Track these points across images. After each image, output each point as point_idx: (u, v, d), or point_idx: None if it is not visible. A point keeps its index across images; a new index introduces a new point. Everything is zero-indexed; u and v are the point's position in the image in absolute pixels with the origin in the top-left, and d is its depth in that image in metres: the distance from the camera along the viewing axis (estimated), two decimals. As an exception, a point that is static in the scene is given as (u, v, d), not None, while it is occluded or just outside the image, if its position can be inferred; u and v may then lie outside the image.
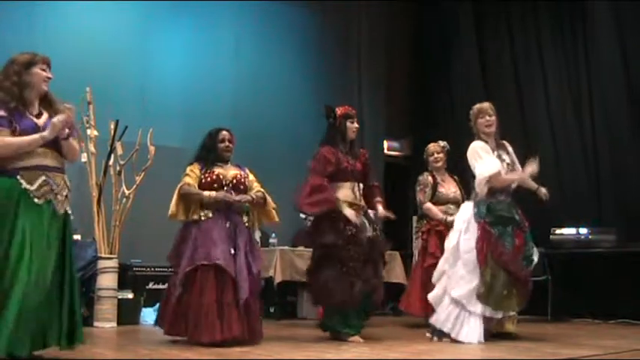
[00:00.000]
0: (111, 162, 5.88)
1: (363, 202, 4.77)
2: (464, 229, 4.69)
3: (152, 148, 6.02)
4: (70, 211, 3.50)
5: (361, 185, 4.81)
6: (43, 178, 3.37)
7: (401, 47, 9.38)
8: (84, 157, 5.75)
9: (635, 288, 6.37)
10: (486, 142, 4.79)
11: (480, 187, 4.67)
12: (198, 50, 7.64)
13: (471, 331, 4.48)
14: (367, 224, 4.71)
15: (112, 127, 5.89)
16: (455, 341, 4.48)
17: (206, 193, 4.45)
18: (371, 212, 4.83)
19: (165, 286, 4.78)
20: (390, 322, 6.40)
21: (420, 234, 5.92)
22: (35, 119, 3.42)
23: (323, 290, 4.58)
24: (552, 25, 8.01)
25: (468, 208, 4.77)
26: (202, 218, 4.44)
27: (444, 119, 8.74)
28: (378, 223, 4.90)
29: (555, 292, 6.64)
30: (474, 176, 4.72)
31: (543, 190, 4.99)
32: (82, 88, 5.52)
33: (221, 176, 4.52)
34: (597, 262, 6.75)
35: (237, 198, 4.48)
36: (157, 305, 5.76)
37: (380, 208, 4.82)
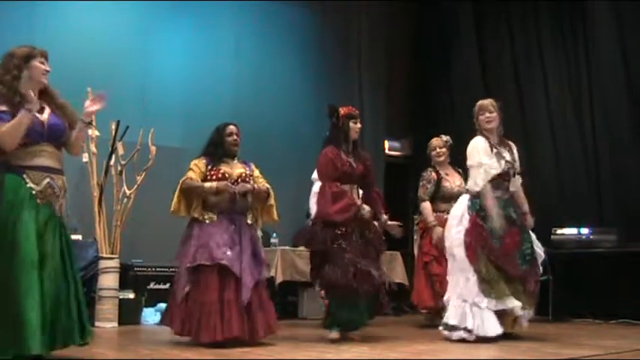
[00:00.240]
0: (112, 162, 5.90)
1: (360, 203, 4.73)
2: (457, 222, 4.72)
3: (153, 148, 6.04)
4: (67, 213, 3.52)
5: (360, 191, 4.80)
6: (48, 180, 3.39)
7: (401, 47, 9.38)
8: (85, 157, 5.77)
9: (636, 288, 6.37)
10: (488, 138, 4.80)
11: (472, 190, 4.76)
12: (199, 50, 7.64)
13: (487, 324, 4.47)
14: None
15: (113, 127, 5.91)
16: (475, 336, 4.45)
17: (207, 184, 4.42)
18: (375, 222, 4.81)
19: (167, 286, 4.78)
20: (391, 322, 6.40)
21: (418, 228, 6.03)
22: (38, 115, 3.40)
23: (329, 279, 4.49)
24: (552, 25, 8.00)
25: (463, 201, 4.80)
26: (207, 221, 4.42)
27: (444, 119, 8.73)
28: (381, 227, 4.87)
29: (556, 292, 6.63)
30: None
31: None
32: (82, 88, 5.51)
33: (227, 174, 4.50)
34: (598, 262, 6.74)
35: (239, 187, 4.45)
36: (159, 305, 5.80)
37: (385, 217, 4.80)
